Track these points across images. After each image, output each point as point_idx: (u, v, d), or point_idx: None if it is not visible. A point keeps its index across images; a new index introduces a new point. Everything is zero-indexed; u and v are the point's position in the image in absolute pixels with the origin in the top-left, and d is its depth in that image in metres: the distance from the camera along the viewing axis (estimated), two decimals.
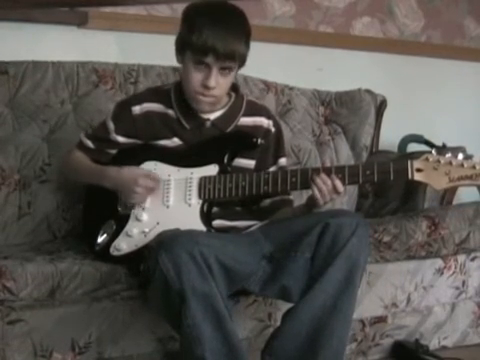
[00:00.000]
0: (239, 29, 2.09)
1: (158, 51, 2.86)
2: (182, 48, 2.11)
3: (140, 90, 2.63)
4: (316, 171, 2.04)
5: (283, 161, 2.28)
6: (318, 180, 2.01)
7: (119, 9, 2.82)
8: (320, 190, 2.01)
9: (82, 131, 2.51)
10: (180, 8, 2.94)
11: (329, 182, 2.01)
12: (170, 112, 2.19)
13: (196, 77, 2.08)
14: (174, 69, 2.77)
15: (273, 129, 2.27)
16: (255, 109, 2.26)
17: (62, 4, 2.56)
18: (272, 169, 2.23)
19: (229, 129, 2.20)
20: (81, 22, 2.78)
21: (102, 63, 2.70)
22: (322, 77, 3.21)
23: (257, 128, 2.23)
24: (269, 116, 2.28)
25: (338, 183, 2.01)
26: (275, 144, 2.27)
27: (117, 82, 2.69)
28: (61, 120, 2.59)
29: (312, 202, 2.08)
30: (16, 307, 1.99)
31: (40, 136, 2.56)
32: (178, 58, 2.14)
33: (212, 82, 2.07)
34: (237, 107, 2.21)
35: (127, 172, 2.14)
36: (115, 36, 2.86)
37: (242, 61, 2.11)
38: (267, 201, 2.24)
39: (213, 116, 2.19)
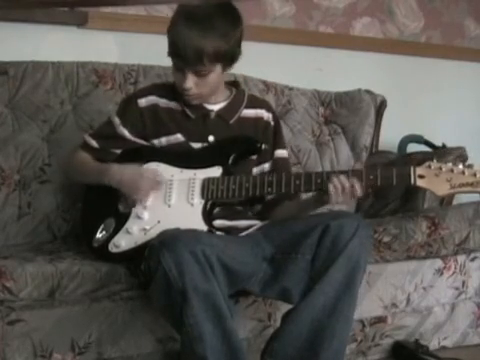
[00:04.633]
0: (211, 27, 2.01)
1: (158, 51, 2.83)
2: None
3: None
4: (319, 175, 2.04)
5: (281, 153, 2.29)
6: (335, 180, 2.00)
7: (119, 9, 2.81)
8: (336, 189, 1.99)
9: (82, 131, 2.51)
10: None
11: (347, 184, 2.00)
12: (174, 104, 2.20)
13: (176, 78, 2.11)
14: None
15: (272, 122, 2.29)
16: (257, 102, 2.29)
17: (62, 4, 2.55)
18: (270, 161, 2.25)
19: (233, 120, 2.21)
20: (81, 22, 2.78)
21: (102, 63, 2.70)
22: (322, 77, 3.21)
23: (258, 120, 2.26)
24: (269, 109, 2.30)
25: (357, 186, 2.00)
26: (273, 137, 2.28)
27: (117, 82, 2.69)
28: (61, 120, 2.59)
29: (324, 198, 2.06)
30: (16, 307, 1.99)
31: (40, 136, 2.56)
32: None
33: (187, 84, 2.07)
34: (239, 100, 2.23)
35: (131, 168, 2.15)
36: (115, 36, 2.86)
37: (219, 60, 2.05)
38: (269, 196, 2.23)
39: (217, 107, 2.20)
